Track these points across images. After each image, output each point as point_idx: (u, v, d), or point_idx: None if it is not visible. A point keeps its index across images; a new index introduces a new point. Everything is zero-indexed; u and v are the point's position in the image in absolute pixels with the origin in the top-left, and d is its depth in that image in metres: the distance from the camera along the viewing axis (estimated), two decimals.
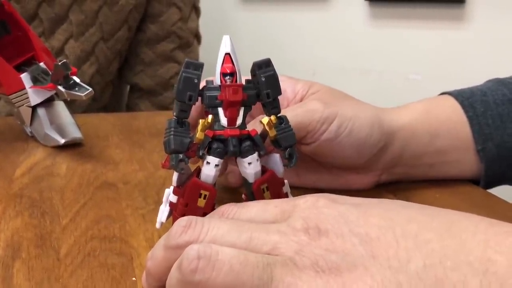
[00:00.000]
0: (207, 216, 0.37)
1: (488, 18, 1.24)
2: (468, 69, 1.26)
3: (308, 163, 0.51)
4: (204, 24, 1.20)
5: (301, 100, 0.50)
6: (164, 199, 0.40)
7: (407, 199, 0.49)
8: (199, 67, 0.38)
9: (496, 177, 0.54)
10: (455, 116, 0.53)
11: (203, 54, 1.18)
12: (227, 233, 0.31)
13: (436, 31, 1.31)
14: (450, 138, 0.53)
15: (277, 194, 0.40)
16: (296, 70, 1.39)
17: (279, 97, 0.40)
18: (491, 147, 0.53)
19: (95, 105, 1.08)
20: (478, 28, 1.26)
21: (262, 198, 0.39)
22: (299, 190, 0.50)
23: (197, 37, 1.15)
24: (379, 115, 0.50)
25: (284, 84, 0.47)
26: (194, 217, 0.32)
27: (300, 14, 1.51)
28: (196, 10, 1.13)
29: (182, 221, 0.32)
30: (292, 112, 0.46)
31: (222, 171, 0.44)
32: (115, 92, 1.15)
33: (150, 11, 1.07)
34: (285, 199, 0.37)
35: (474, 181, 0.55)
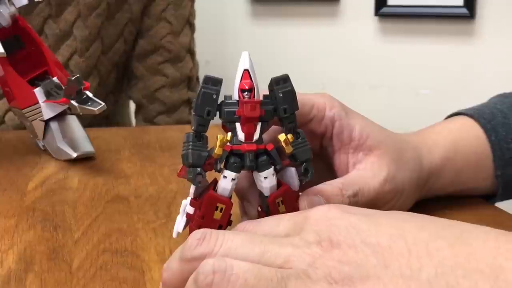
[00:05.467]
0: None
1: (498, 33, 1.24)
2: (478, 84, 1.26)
3: (324, 180, 0.51)
4: (215, 39, 1.20)
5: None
6: (181, 209, 0.41)
7: None
8: (218, 82, 0.38)
9: (509, 197, 0.54)
10: (480, 149, 0.53)
11: (215, 68, 1.18)
12: (241, 246, 0.32)
13: (446, 46, 1.31)
14: (473, 173, 0.52)
15: (292, 207, 0.40)
16: (306, 85, 1.38)
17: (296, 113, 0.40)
18: (509, 172, 0.53)
19: (98, 114, 1.08)
20: (488, 43, 1.26)
21: (277, 211, 0.40)
22: None
23: (190, 52, 1.14)
24: (421, 162, 0.49)
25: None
26: (209, 229, 0.33)
27: (309, 29, 1.51)
28: (190, 25, 1.13)
29: (197, 233, 0.33)
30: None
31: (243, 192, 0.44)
32: (116, 102, 1.16)
33: (142, 27, 1.08)
34: (297, 212, 0.38)
35: (482, 196, 0.55)
